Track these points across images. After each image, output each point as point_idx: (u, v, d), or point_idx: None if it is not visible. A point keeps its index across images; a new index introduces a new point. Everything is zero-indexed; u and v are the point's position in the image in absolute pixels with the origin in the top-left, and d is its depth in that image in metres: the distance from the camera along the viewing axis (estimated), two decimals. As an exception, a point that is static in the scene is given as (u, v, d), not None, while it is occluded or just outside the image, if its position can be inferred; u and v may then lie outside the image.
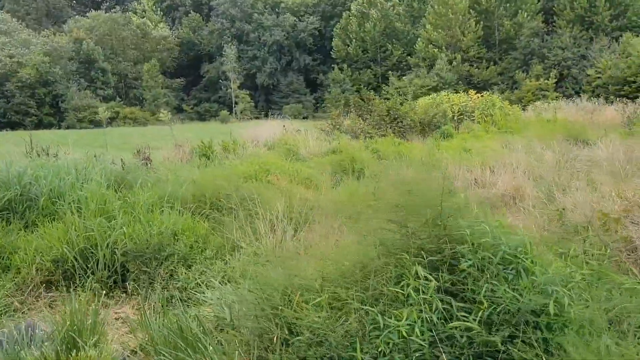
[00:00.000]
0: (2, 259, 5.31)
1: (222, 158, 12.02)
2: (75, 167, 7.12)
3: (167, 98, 63.64)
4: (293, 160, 11.89)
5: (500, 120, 21.88)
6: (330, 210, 5.93)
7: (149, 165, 10.23)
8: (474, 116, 23.19)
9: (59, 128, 51.35)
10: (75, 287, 5.02)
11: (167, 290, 4.67)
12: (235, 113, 64.06)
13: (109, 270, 5.09)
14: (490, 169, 10.22)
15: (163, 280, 4.79)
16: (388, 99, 22.66)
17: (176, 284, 4.72)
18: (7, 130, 46.89)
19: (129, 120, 55.75)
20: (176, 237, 5.28)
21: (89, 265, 5.10)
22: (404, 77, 60.99)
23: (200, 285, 4.62)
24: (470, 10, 58.64)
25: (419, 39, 60.74)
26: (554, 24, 56.95)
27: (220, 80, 69.06)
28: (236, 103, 65.69)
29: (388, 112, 17.43)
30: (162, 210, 5.97)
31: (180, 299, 4.53)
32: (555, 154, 12.50)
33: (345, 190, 7.46)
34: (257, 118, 65.67)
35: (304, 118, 63.48)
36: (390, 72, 64.45)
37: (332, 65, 69.02)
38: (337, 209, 5.95)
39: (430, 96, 25.94)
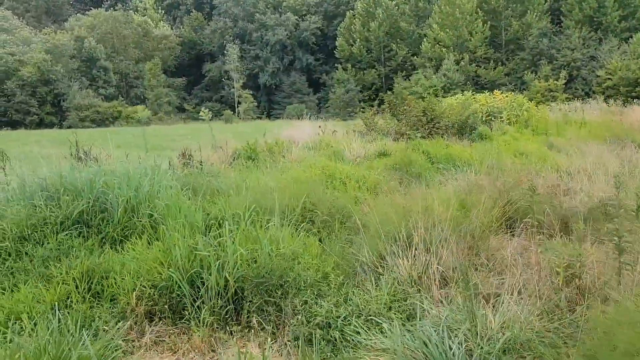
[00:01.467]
0: (92, 284, 4.53)
1: (270, 161, 11.24)
2: (143, 172, 6.32)
3: (169, 97, 62.73)
4: (342, 164, 11.14)
5: (533, 121, 21.24)
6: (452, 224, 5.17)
7: (202, 168, 9.45)
8: (501, 117, 22.53)
9: (60, 127, 50.34)
10: (184, 318, 4.25)
11: (304, 326, 3.90)
12: (238, 113, 63.20)
13: (222, 299, 4.32)
14: (567, 174, 9.53)
15: (295, 313, 4.02)
16: (423, 97, 21.88)
17: (311, 318, 3.96)
18: (8, 129, 45.95)
19: (131, 120, 54.75)
20: (296, 259, 4.51)
21: (199, 293, 4.33)
22: (410, 78, 60.38)
23: (346, 320, 3.86)
24: (478, 10, 58.09)
25: (425, 39, 60.11)
26: (561, 24, 56.51)
27: (222, 80, 68.17)
28: (239, 103, 64.82)
29: (424, 113, 16.71)
30: (261, 225, 5.20)
31: (325, 339, 3.78)
32: (618, 157, 11.84)
33: (442, 199, 6.69)
34: (259, 118, 64.94)
35: (307, 118, 62.75)
36: (394, 72, 63.83)
37: (335, 65, 68.25)
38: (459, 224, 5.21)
39: (456, 96, 25.26)
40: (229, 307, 4.33)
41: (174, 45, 66.96)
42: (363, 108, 59.49)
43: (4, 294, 4.46)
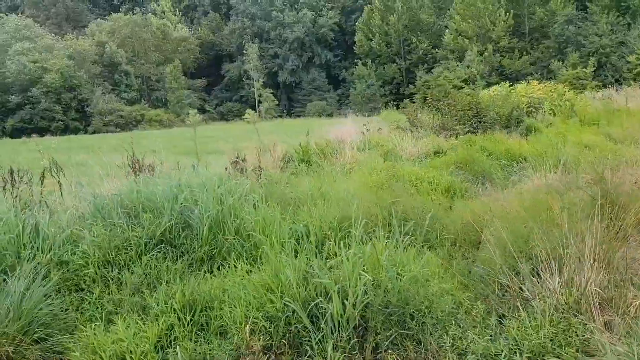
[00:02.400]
0: (195, 315, 4.05)
1: (325, 163, 10.71)
2: (220, 183, 5.84)
3: (190, 99, 62.62)
4: (402, 164, 10.56)
5: (577, 111, 20.41)
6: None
7: (261, 175, 8.96)
8: (542, 108, 21.72)
9: (85, 133, 50.48)
10: (307, 355, 3.75)
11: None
12: (260, 112, 62.83)
13: (344, 331, 3.81)
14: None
15: (443, 349, 3.49)
16: (458, 88, 21.12)
17: (464, 357, 3.42)
18: (34, 136, 46.17)
19: (154, 123, 54.68)
20: (422, 283, 3.97)
21: (317, 324, 3.82)
22: (432, 71, 59.38)
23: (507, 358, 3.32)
24: (500, -1, 56.93)
25: (447, 31, 59.03)
26: (586, 10, 54.99)
27: (242, 80, 67.87)
28: (260, 102, 64.46)
29: (470, 107, 16.06)
30: (364, 240, 4.67)
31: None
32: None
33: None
34: (280, 117, 64.46)
35: (328, 115, 62.14)
36: (416, 66, 62.85)
37: (355, 61, 67.48)
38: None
39: (494, 88, 24.49)
40: (352, 340, 3.81)
41: (193, 47, 66.81)
42: (387, 103, 58.78)
43: (97, 328, 4.00)
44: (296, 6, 71.30)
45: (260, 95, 64.29)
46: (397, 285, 3.80)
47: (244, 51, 65.75)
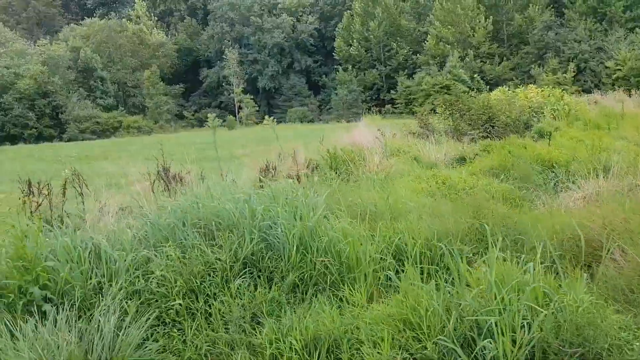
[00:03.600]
0: (319, 356, 3.38)
1: (353, 170, 10.10)
2: (295, 196, 5.17)
3: (169, 105, 61.22)
4: (438, 171, 10.03)
5: (579, 115, 20.32)
6: None
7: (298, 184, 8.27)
8: (543, 112, 21.59)
9: (60, 140, 48.71)
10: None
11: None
12: (240, 119, 61.83)
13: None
14: None
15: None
16: (472, 87, 20.76)
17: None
18: (7, 145, 44.21)
19: (132, 130, 53.16)
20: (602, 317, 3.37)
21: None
22: (413, 76, 59.41)
23: None
24: (479, 6, 57.34)
25: (428, 36, 59.19)
26: (563, 17, 55.85)
27: (221, 86, 66.80)
28: (240, 108, 63.44)
29: (483, 111, 15.70)
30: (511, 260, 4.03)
31: None
32: None
33: None
34: (258, 123, 63.51)
35: (309, 122, 61.51)
36: (396, 71, 62.79)
37: (334, 67, 67.16)
38: None
39: (494, 92, 24.29)
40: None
41: (170, 52, 65.45)
42: (369, 108, 58.58)
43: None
44: (275, 11, 70.67)
45: (240, 101, 63.29)
46: (573, 319, 3.21)
47: (224, 57, 64.73)
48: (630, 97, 33.37)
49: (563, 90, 45.97)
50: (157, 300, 3.95)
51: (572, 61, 50.84)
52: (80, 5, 73.89)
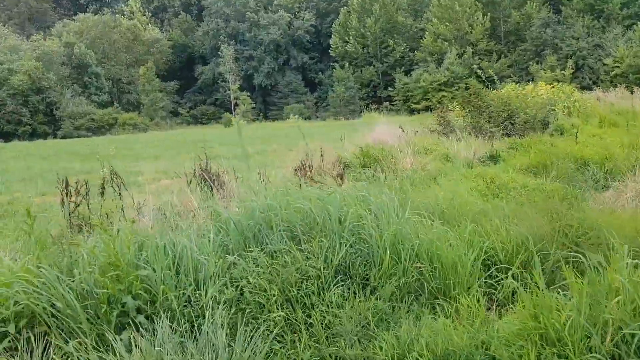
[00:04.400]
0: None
1: (387, 168, 9.80)
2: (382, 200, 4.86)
3: (164, 102, 60.54)
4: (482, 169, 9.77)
5: (593, 112, 20.20)
6: None
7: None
8: (554, 109, 21.44)
9: (55, 137, 47.93)
10: None
11: None
12: (237, 115, 61.32)
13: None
14: None
15: None
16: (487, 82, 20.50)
17: None
18: (1, 142, 43.30)
19: (128, 127, 52.47)
20: None
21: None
22: (410, 74, 59.25)
23: None
24: (477, 2, 57.23)
25: (426, 33, 58.99)
26: (560, 14, 55.88)
27: (217, 82, 66.17)
28: (236, 105, 62.91)
29: (504, 108, 15.48)
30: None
31: None
32: None
33: None
34: (255, 120, 63.01)
35: (306, 119, 61.12)
36: (393, 68, 62.54)
37: (330, 64, 66.80)
38: None
39: (505, 89, 24.08)
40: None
41: (165, 49, 64.70)
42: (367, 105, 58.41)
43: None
44: (271, 8, 70.14)
45: (236, 98, 62.76)
46: None
47: (219, 53, 64.13)
48: (632, 94, 33.39)
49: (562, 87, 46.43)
50: (251, 311, 3.64)
51: (571, 58, 50.91)
52: (73, 0, 72.93)
